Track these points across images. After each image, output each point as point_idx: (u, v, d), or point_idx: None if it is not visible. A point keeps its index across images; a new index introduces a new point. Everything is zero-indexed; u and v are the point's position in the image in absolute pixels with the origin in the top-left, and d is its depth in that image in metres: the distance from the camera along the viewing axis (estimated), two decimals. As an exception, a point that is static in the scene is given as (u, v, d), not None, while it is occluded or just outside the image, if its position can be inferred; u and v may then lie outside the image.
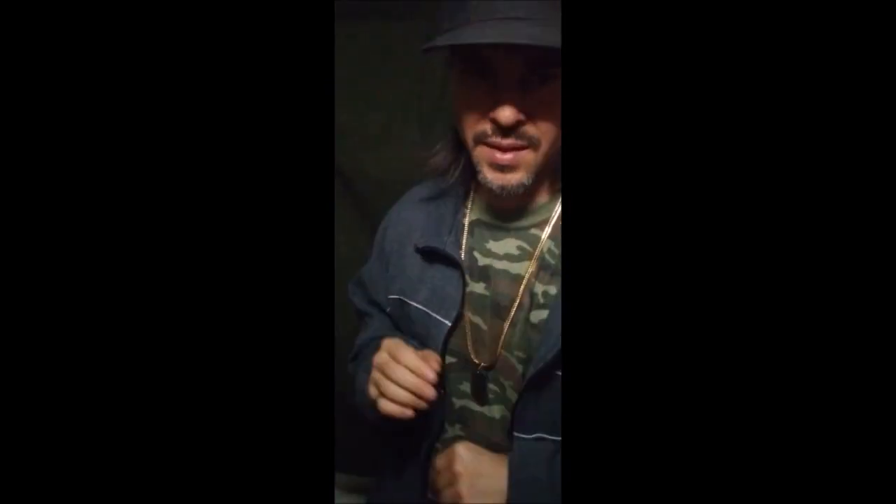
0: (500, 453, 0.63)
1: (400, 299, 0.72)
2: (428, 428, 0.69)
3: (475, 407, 0.68)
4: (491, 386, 0.67)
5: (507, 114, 0.56)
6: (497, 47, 0.55)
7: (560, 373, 0.61)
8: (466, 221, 0.70)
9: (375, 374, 0.63)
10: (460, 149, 0.68)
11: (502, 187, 0.61)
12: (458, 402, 0.69)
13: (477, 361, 0.66)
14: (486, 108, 0.58)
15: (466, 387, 0.68)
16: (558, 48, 0.53)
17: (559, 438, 0.62)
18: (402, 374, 0.61)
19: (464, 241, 0.69)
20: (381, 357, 0.63)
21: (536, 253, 0.65)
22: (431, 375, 0.60)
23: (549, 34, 0.54)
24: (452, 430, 0.69)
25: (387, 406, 0.62)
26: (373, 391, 0.64)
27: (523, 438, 0.63)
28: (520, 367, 0.64)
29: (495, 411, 0.67)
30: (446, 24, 0.58)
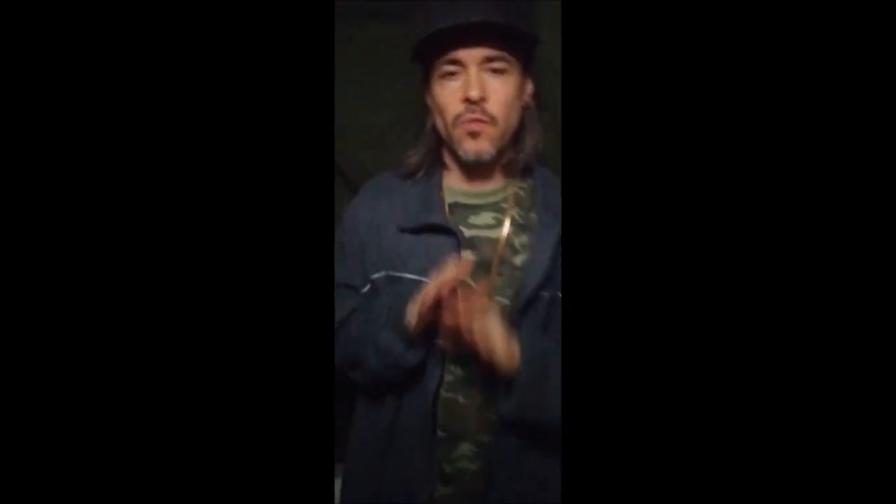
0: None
1: (388, 275, 0.85)
2: (431, 374, 0.82)
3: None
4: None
5: (474, 92, 0.78)
6: (461, 39, 0.76)
7: (545, 293, 0.81)
8: (446, 204, 0.86)
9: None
10: (433, 150, 0.87)
11: (476, 153, 0.81)
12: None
13: None
14: (460, 93, 0.79)
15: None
16: (512, 28, 0.76)
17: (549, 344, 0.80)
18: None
19: (449, 219, 0.84)
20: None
21: (507, 218, 0.85)
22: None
23: (501, 16, 0.76)
24: (451, 374, 0.83)
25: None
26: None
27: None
28: (508, 302, 0.82)
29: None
30: (422, 28, 0.77)
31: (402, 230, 0.85)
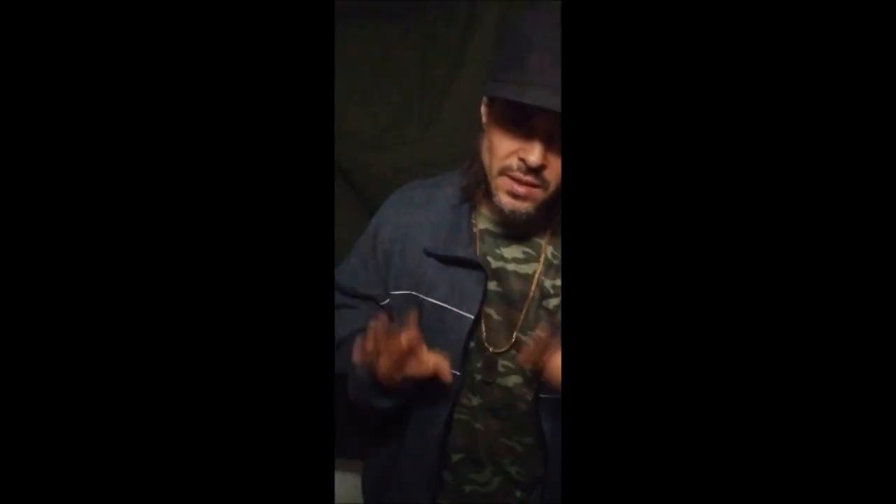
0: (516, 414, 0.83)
1: (412, 294, 0.84)
2: (448, 397, 0.82)
3: (491, 380, 0.84)
4: (504, 363, 0.82)
5: (535, 158, 0.74)
6: (541, 108, 0.71)
7: None
8: (476, 231, 0.84)
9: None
10: (480, 180, 0.84)
11: (513, 212, 0.78)
12: (477, 377, 0.84)
13: (488, 346, 0.82)
14: (516, 149, 0.75)
15: (480, 366, 0.84)
16: None
17: None
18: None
19: (477, 247, 0.83)
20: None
21: (541, 256, 0.82)
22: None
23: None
24: (470, 400, 0.84)
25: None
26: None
27: (547, 398, 0.80)
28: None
29: (510, 381, 0.82)
30: (501, 76, 0.74)
31: (429, 254, 0.83)
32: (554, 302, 0.81)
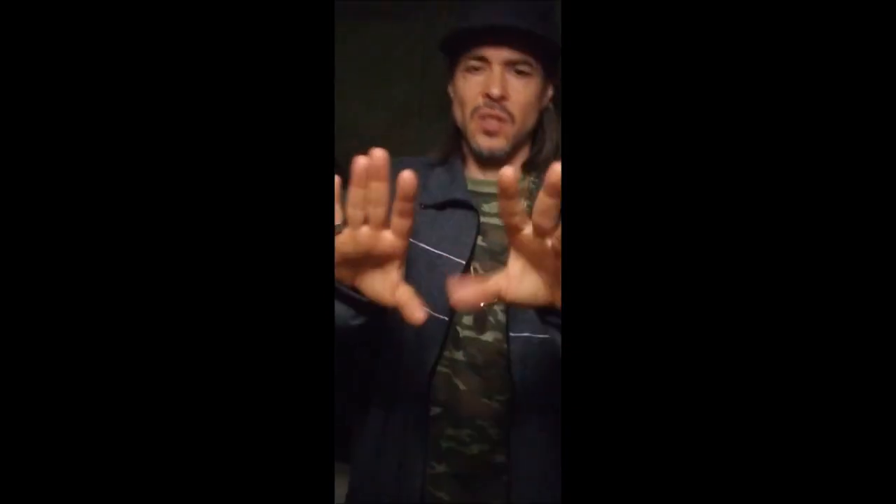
0: (491, 370, 0.82)
1: (423, 247, 0.85)
2: (432, 349, 0.82)
3: (473, 335, 0.84)
4: (486, 318, 0.84)
5: (496, 88, 0.82)
6: (489, 38, 0.80)
7: None
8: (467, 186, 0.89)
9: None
10: (455, 140, 0.91)
11: (490, 149, 0.84)
12: (461, 332, 0.84)
13: None
14: (480, 88, 0.83)
15: (468, 320, 0.84)
16: (539, 36, 0.81)
17: (543, 335, 0.79)
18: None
19: (471, 197, 0.87)
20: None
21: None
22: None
23: (531, 24, 0.80)
24: (452, 354, 0.84)
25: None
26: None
27: (517, 337, 0.81)
28: None
29: (489, 336, 0.84)
30: (453, 22, 0.82)
31: (425, 206, 0.87)
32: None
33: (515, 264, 0.57)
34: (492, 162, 0.87)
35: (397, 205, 0.56)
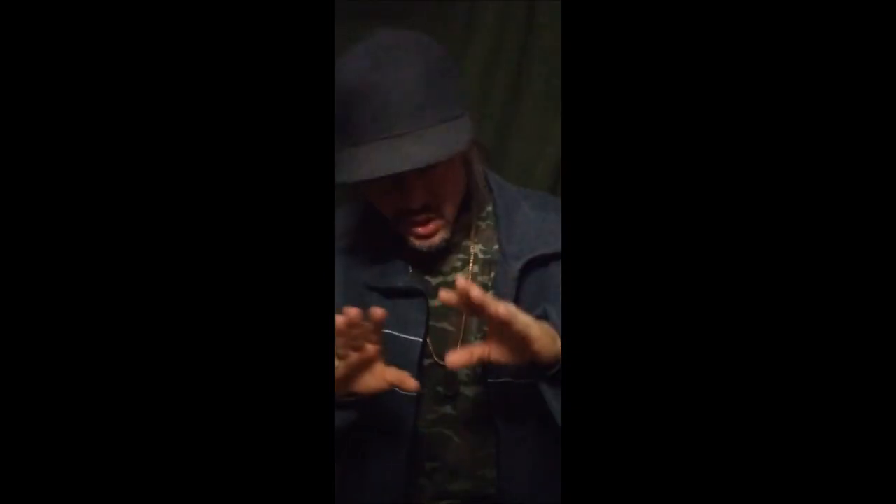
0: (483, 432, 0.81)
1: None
2: (411, 411, 0.80)
3: (450, 393, 0.83)
4: (465, 371, 0.81)
5: (416, 203, 0.72)
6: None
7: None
8: (410, 254, 0.81)
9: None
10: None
11: (429, 247, 0.77)
12: (440, 390, 0.82)
13: (441, 362, 0.78)
14: (397, 199, 0.73)
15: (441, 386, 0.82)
16: (439, 160, 0.68)
17: (523, 381, 0.78)
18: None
19: (411, 272, 0.82)
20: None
21: (472, 258, 0.82)
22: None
23: (428, 148, 0.68)
24: (437, 412, 0.82)
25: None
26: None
27: (494, 382, 0.80)
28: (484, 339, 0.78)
29: (471, 391, 0.82)
30: (347, 139, 0.70)
31: (371, 288, 0.81)
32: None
33: (494, 331, 0.68)
34: (432, 255, 0.79)
35: (372, 336, 0.68)
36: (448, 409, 0.82)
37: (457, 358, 0.68)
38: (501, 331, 0.67)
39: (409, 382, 0.71)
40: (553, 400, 0.72)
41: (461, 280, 0.64)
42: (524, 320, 0.65)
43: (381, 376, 0.72)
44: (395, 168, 0.66)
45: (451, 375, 0.81)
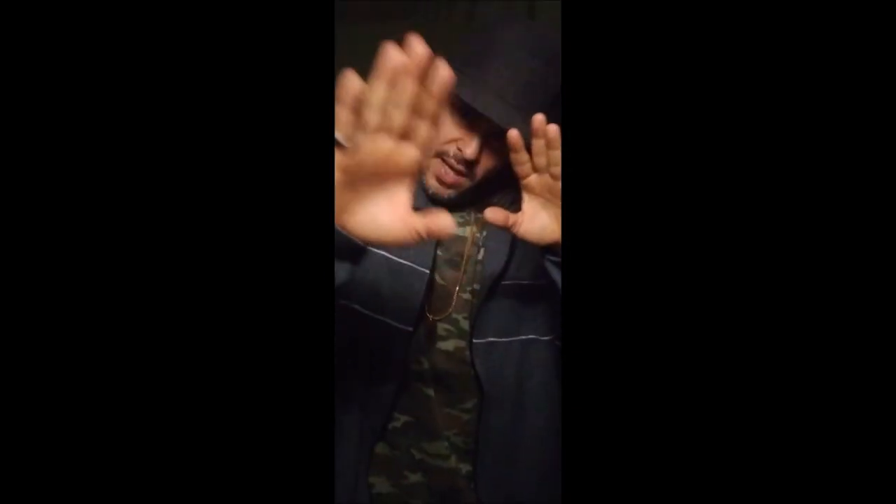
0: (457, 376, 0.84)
1: (384, 255, 0.85)
2: (397, 359, 0.84)
3: (437, 345, 0.86)
4: (445, 326, 0.85)
5: (471, 152, 0.77)
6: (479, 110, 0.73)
7: (505, 282, 0.83)
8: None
9: None
10: None
11: (436, 194, 0.82)
12: (425, 341, 0.86)
13: (429, 315, 0.85)
14: (457, 137, 0.78)
15: (439, 328, 0.86)
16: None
17: (507, 339, 0.84)
18: None
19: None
20: None
21: (472, 217, 0.87)
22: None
23: (513, 118, 0.73)
24: (421, 364, 0.85)
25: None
26: None
27: (479, 343, 0.83)
28: (472, 298, 0.85)
29: (450, 345, 0.85)
30: (459, 64, 0.73)
31: None
32: (482, 253, 0.86)
33: (529, 205, 0.72)
34: (434, 200, 0.84)
35: (428, 105, 0.47)
36: (426, 363, 0.85)
37: (494, 213, 0.71)
38: (544, 193, 0.70)
39: (446, 221, 0.52)
40: (557, 276, 0.75)
41: (539, 116, 0.65)
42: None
43: (401, 217, 0.53)
44: (502, 121, 0.72)
45: (430, 328, 0.85)
